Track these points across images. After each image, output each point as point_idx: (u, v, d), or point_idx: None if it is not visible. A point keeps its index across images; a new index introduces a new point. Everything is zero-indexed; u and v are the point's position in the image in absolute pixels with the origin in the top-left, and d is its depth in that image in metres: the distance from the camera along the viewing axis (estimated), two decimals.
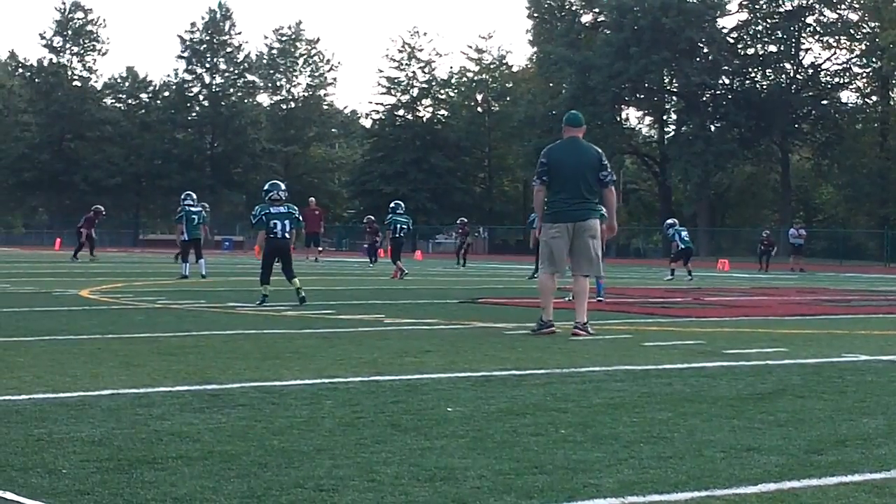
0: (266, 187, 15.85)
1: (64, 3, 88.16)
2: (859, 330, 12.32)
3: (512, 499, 4.03)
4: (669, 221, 31.08)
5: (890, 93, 71.37)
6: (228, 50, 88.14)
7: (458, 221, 41.93)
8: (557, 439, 5.20)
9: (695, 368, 8.19)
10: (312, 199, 37.99)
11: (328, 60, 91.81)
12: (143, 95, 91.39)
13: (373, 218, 40.97)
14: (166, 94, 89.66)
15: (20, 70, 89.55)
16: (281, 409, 5.95)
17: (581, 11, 77.21)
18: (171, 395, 6.36)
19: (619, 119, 76.43)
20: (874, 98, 72.15)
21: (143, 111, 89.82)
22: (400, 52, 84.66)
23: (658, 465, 4.66)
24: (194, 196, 24.82)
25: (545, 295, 11.02)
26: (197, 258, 23.75)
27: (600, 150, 11.34)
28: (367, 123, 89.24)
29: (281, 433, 5.22)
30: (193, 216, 24.03)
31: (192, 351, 8.75)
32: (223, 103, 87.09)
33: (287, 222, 15.43)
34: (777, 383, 7.40)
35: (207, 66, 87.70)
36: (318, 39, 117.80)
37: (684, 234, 29.80)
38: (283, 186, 15.91)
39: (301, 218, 16.62)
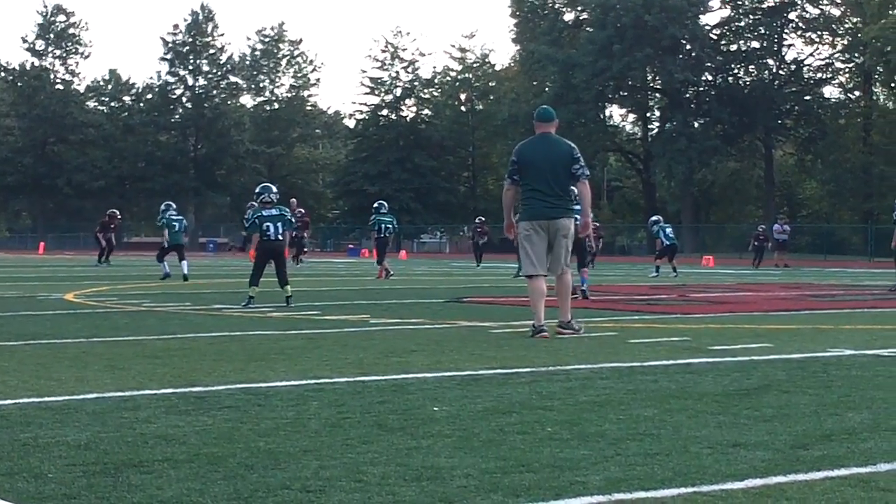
0: (258, 190, 16.01)
1: (46, 7, 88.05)
2: (844, 325, 12.34)
3: (499, 497, 4.03)
4: (654, 218, 31.16)
5: (872, 88, 71.69)
6: (211, 52, 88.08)
7: (476, 220, 41.89)
8: (544, 437, 5.20)
9: (680, 365, 8.20)
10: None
11: (311, 61, 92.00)
12: (126, 98, 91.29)
13: None
14: (149, 96, 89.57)
15: (2, 74, 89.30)
16: (267, 410, 5.94)
17: (564, 10, 77.27)
18: (156, 398, 6.34)
19: (602, 117, 76.62)
20: (857, 93, 72.45)
21: (126, 114, 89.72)
22: (383, 52, 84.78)
23: (644, 461, 4.66)
24: (174, 206, 25.84)
25: (535, 300, 10.57)
26: (180, 259, 24.38)
27: (573, 145, 10.98)
28: (351, 124, 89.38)
29: (267, 435, 5.21)
30: (174, 223, 25.18)
31: (178, 353, 8.73)
32: (206, 105, 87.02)
33: (279, 224, 15.54)
34: (762, 379, 7.41)
35: (190, 68, 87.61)
36: (301, 40, 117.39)
37: (669, 230, 29.89)
38: (274, 189, 16.03)
39: (293, 220, 16.85)
